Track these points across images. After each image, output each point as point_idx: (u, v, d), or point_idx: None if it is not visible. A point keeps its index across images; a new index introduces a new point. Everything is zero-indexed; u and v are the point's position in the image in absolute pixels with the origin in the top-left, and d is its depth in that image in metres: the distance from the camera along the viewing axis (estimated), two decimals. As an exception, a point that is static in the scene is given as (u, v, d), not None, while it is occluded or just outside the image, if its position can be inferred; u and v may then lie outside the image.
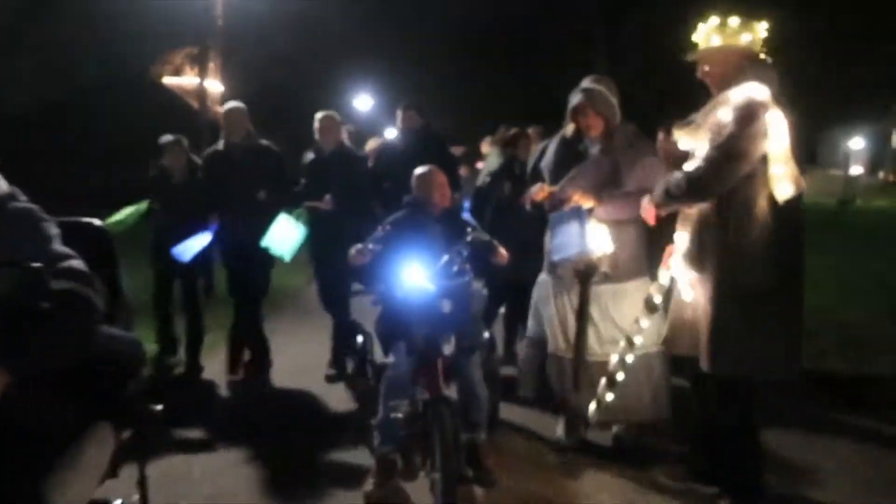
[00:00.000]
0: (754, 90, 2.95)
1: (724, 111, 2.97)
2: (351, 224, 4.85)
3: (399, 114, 5.73)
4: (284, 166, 5.24)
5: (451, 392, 3.32)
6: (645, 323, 3.26)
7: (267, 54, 26.24)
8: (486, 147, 9.71)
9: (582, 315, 3.64)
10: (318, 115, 5.24)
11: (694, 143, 3.08)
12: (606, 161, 3.71)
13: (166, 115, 17.79)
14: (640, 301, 3.43)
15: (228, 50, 27.29)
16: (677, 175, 3.05)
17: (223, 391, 5.07)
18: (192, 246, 5.02)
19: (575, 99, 3.70)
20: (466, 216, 5.44)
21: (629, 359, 3.27)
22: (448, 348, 3.05)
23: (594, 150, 3.77)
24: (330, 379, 5.12)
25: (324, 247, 5.16)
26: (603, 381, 3.31)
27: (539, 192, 3.76)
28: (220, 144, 5.21)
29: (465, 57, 26.71)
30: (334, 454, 3.90)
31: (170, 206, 5.23)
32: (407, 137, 5.64)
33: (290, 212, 4.99)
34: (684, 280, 3.11)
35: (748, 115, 2.89)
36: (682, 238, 3.16)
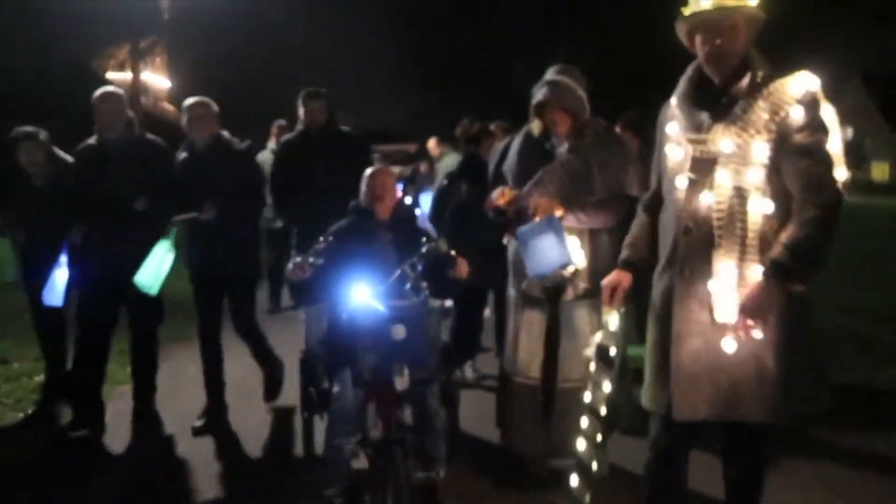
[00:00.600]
0: (810, 80, 2.36)
1: (795, 110, 2.31)
2: (239, 233, 4.12)
3: (301, 105, 4.66)
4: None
5: (406, 419, 2.93)
6: (608, 387, 2.60)
7: (215, 49, 25.49)
8: (433, 146, 9.21)
9: (551, 338, 3.27)
10: (187, 103, 4.25)
11: (738, 145, 2.34)
12: (576, 161, 3.35)
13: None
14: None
15: (175, 44, 26.45)
16: (796, 235, 2.24)
17: (126, 438, 4.17)
18: (56, 286, 4.13)
19: (539, 94, 3.32)
20: (423, 219, 5.02)
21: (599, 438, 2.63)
22: (400, 382, 2.64)
23: (562, 149, 3.41)
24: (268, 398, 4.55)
25: (208, 264, 4.23)
26: (583, 450, 2.71)
27: (500, 196, 3.38)
28: (94, 139, 4.22)
29: (417, 49, 26.36)
30: (275, 497, 3.45)
31: (29, 215, 4.24)
32: (310, 135, 4.66)
33: (168, 237, 4.10)
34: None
35: (819, 113, 2.36)
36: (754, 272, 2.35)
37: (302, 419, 3.50)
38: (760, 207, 2.33)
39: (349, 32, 26.42)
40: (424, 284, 2.95)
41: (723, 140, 2.37)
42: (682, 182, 2.44)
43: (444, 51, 26.78)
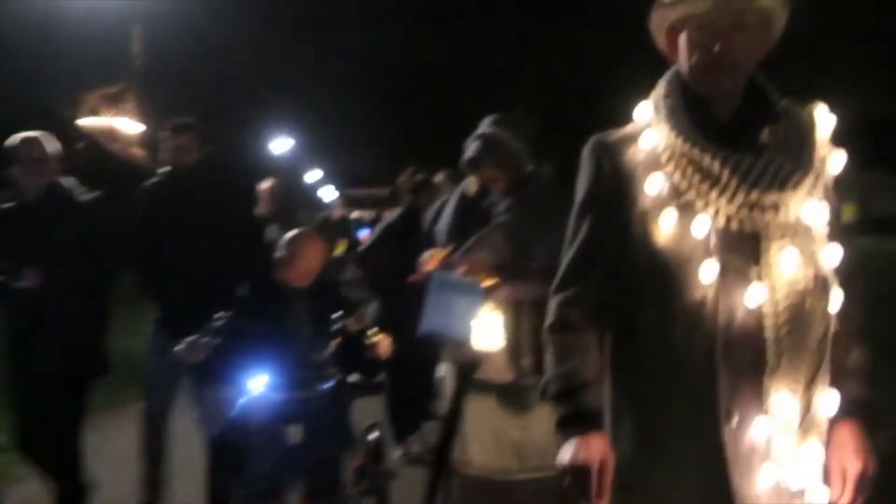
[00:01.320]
0: (830, 116, 1.67)
1: (836, 157, 1.63)
2: (70, 310, 3.19)
3: (166, 139, 3.64)
4: None
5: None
6: None
7: (187, 94, 25.35)
8: None
9: (453, 416, 2.87)
10: (16, 140, 3.31)
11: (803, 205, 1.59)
12: (515, 221, 3.02)
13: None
14: None
15: (148, 89, 26.29)
16: (864, 355, 1.64)
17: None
18: None
19: (470, 149, 3.01)
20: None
21: None
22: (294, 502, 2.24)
23: (500, 208, 3.07)
24: None
25: (28, 349, 3.28)
26: None
27: (430, 260, 3.02)
28: None
29: (389, 95, 26.52)
30: None
31: None
32: (176, 180, 3.60)
33: None
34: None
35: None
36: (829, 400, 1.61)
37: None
38: (837, 303, 1.59)
39: (324, 77, 26.43)
40: (335, 369, 2.57)
41: (806, 202, 1.55)
42: (708, 273, 1.54)
43: (413, 96, 26.91)
